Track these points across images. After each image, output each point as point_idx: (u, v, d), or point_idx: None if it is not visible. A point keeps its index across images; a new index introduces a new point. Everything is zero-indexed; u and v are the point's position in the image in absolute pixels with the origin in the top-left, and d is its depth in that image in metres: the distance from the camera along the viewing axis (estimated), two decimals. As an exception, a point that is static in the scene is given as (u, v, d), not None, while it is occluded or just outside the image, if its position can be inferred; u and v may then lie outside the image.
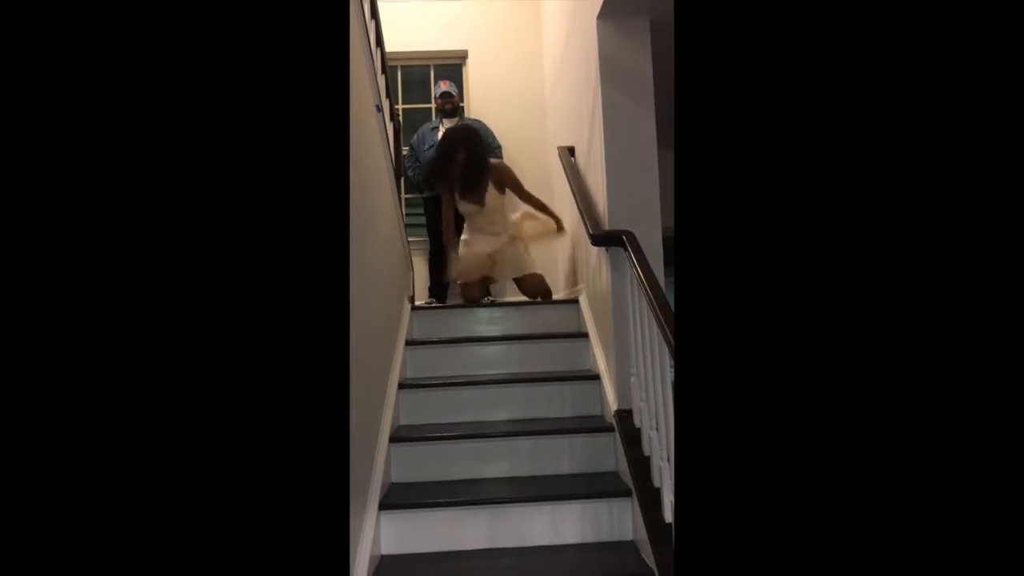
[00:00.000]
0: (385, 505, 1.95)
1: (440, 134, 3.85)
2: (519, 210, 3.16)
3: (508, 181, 3.05)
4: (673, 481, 1.71)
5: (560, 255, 3.68)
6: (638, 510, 1.90)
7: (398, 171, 3.20)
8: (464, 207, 3.02)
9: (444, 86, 3.91)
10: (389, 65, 3.15)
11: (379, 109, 2.53)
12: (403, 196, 3.88)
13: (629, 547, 1.93)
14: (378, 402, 2.15)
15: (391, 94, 3.23)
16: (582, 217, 2.50)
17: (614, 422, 2.23)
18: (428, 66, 4.46)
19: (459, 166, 2.87)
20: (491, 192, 2.93)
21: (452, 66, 4.44)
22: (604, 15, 2.37)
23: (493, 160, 3.10)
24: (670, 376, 1.75)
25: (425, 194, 3.87)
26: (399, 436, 2.24)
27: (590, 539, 1.98)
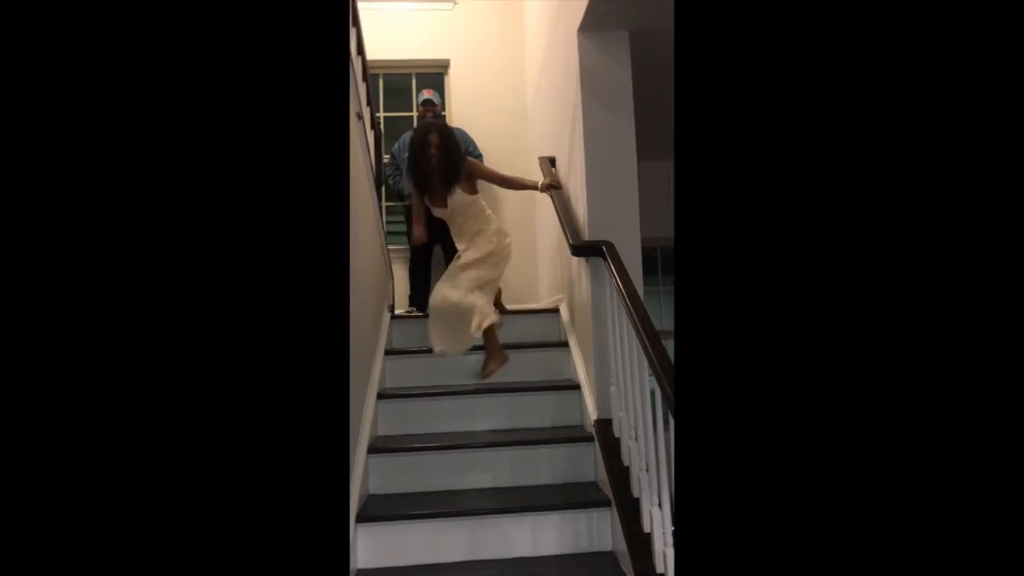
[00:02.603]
0: (362, 518, 1.92)
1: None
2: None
3: (478, 173, 2.66)
4: (652, 491, 1.71)
5: (541, 264, 3.68)
6: (617, 520, 1.90)
7: (378, 179, 3.18)
8: (439, 212, 2.66)
9: (426, 94, 3.91)
10: (371, 73, 3.14)
11: (360, 117, 2.52)
12: (384, 204, 3.86)
13: (608, 558, 1.93)
14: (356, 412, 2.13)
15: (372, 102, 3.22)
16: (563, 227, 2.51)
17: (593, 432, 2.23)
18: (410, 74, 4.46)
19: (435, 148, 2.50)
20: (459, 194, 2.59)
21: (434, 75, 4.44)
22: (584, 28, 2.39)
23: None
24: (649, 386, 1.75)
25: (406, 202, 3.85)
26: (377, 447, 2.22)
27: (569, 550, 1.98)
